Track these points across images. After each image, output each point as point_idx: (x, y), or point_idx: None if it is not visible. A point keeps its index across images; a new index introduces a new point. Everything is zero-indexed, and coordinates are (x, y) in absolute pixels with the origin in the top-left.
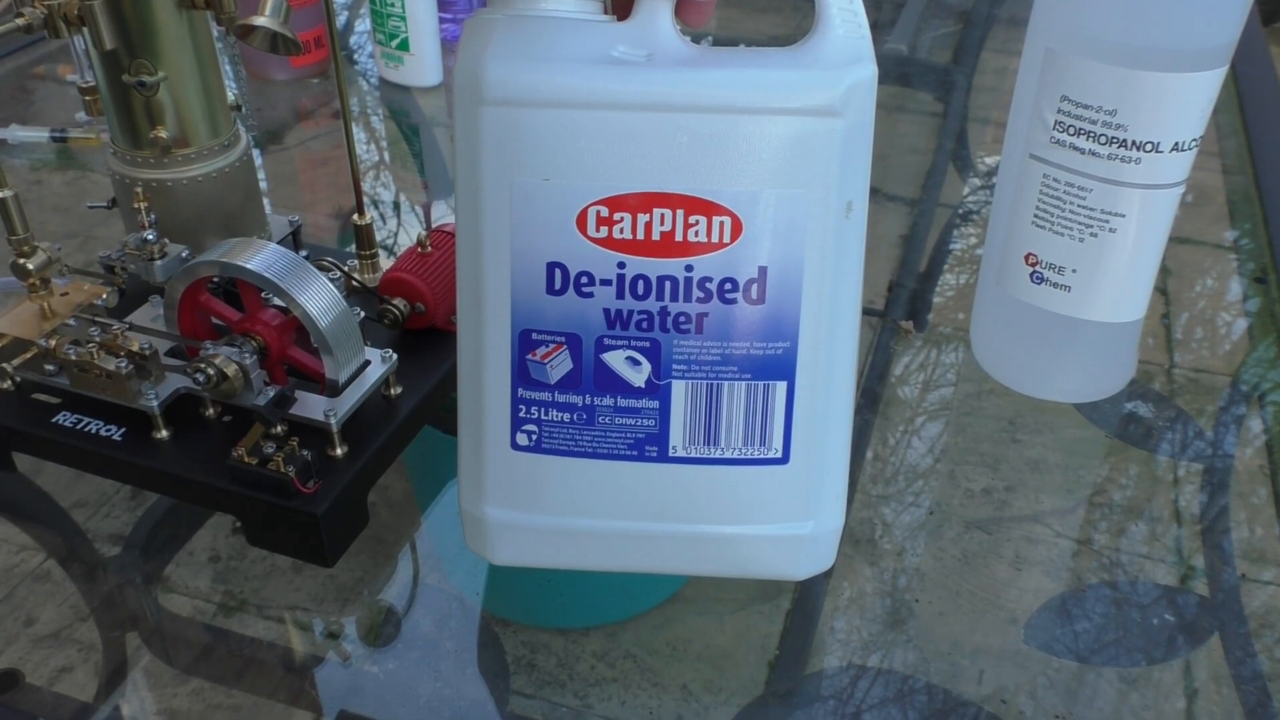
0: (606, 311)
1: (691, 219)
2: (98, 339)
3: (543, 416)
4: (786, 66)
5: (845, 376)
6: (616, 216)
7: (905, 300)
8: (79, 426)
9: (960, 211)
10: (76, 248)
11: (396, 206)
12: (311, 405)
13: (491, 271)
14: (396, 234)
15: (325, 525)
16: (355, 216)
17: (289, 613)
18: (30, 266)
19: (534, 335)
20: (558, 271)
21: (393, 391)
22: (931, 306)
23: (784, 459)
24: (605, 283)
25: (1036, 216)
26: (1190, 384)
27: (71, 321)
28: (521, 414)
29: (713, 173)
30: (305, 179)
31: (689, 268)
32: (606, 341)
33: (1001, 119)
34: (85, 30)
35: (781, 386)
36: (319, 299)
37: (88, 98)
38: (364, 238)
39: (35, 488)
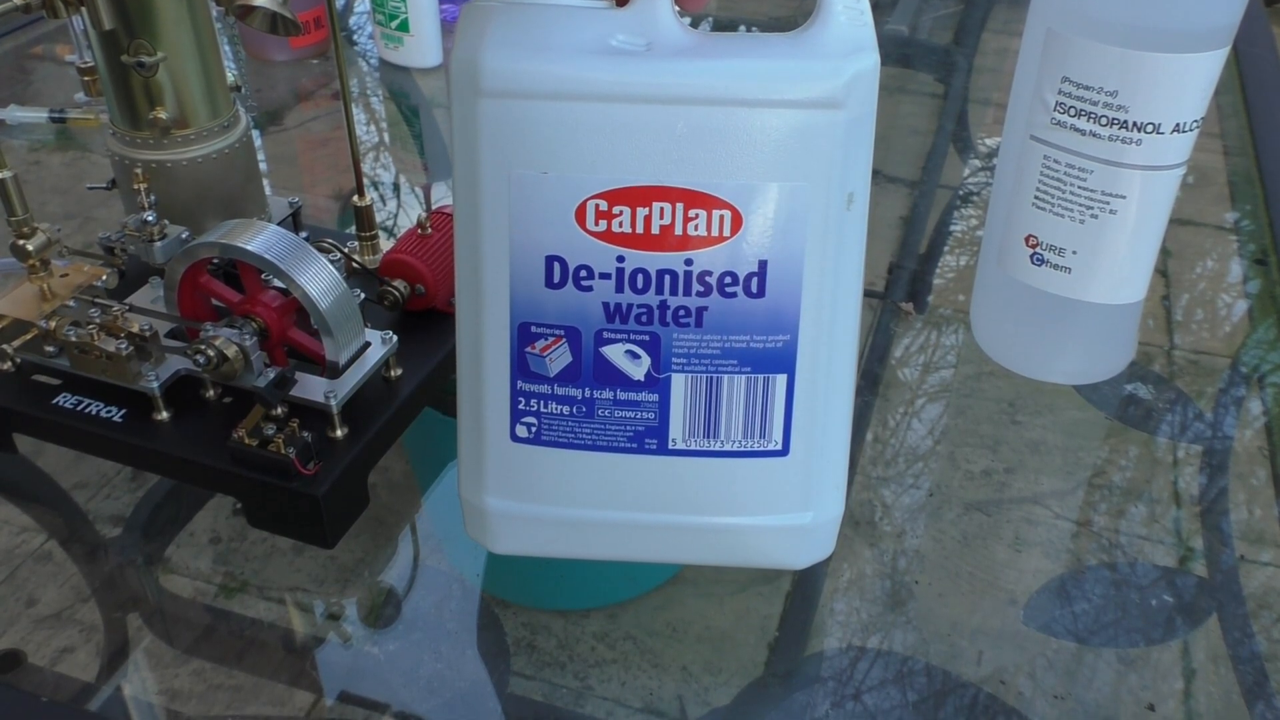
0: (606, 305)
1: (691, 212)
2: (98, 320)
3: (542, 409)
4: (787, 56)
5: (845, 368)
6: (616, 210)
7: (905, 282)
8: (79, 408)
9: (961, 193)
10: (76, 229)
11: (396, 188)
12: (312, 387)
13: (490, 264)
14: (396, 215)
15: (325, 507)
16: (355, 198)
17: (290, 594)
18: (30, 248)
19: (533, 328)
20: (557, 265)
21: (393, 373)
22: (931, 288)
23: (784, 451)
24: (604, 276)
25: (1037, 198)
26: (1190, 366)
27: (71, 303)
28: (521, 406)
29: (713, 166)
30: (305, 160)
31: (689, 261)
32: (606, 335)
33: (1002, 100)
34: (84, 10)
35: (781, 379)
36: (319, 280)
37: (86, 78)
38: (364, 219)
39: (36, 469)
